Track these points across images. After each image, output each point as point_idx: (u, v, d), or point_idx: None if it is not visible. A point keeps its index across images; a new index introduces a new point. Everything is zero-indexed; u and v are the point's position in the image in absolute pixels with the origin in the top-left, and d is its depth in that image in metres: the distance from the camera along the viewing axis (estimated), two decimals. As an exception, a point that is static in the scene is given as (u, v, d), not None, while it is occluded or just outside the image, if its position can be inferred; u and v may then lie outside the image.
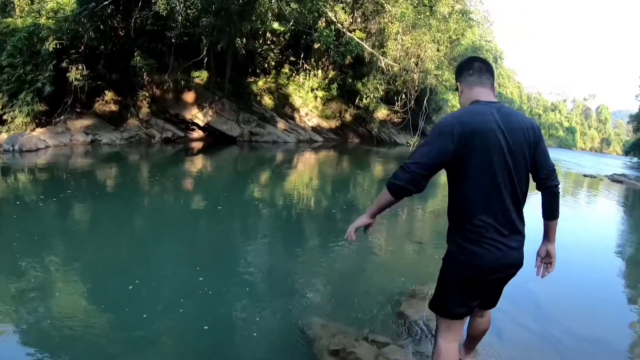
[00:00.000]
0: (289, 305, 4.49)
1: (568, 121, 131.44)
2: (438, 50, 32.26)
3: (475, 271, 2.52)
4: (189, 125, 21.61)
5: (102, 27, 18.55)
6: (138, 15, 18.25)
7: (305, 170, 16.60)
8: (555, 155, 63.65)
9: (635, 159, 70.71)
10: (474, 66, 2.75)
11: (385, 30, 29.87)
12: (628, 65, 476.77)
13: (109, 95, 18.92)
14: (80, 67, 17.23)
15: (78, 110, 17.78)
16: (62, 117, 17.10)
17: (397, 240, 7.71)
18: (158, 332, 3.87)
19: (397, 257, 6.67)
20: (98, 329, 3.85)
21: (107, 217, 7.58)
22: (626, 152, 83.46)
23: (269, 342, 3.81)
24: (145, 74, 19.51)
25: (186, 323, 4.02)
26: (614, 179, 28.70)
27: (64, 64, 16.93)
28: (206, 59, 21.98)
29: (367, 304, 4.51)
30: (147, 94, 19.86)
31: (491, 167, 2.46)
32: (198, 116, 21.48)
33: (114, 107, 19.04)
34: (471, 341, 3.20)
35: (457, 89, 2.86)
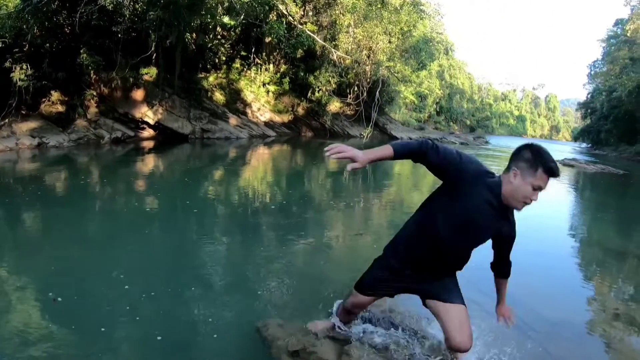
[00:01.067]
0: (245, 306, 4.48)
1: (518, 110, 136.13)
2: (390, 42, 32.66)
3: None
4: (138, 124, 21.24)
5: (46, 23, 18.00)
6: (83, 10, 17.78)
7: (259, 166, 16.74)
8: (506, 142, 65.66)
9: (584, 145, 74.78)
10: (526, 156, 2.83)
11: (337, 22, 30.13)
12: (576, 55, 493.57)
13: (55, 95, 18.42)
14: (24, 66, 16.72)
15: (23, 112, 17.25)
16: (6, 120, 16.55)
17: (353, 234, 7.82)
18: (112, 344, 3.71)
19: (354, 251, 6.79)
20: (46, 345, 3.61)
21: (55, 223, 7.31)
22: (575, 138, 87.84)
23: (226, 347, 3.79)
24: (92, 72, 19.06)
25: (141, 332, 3.91)
26: (565, 163, 29.94)
27: (7, 64, 16.46)
28: (155, 55, 21.71)
29: (327, 300, 4.51)
30: (94, 93, 19.40)
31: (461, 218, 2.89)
32: (148, 114, 21.14)
33: (60, 108, 18.54)
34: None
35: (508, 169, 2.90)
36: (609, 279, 6.81)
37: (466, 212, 2.82)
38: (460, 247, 2.99)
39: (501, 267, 3.26)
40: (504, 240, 3.11)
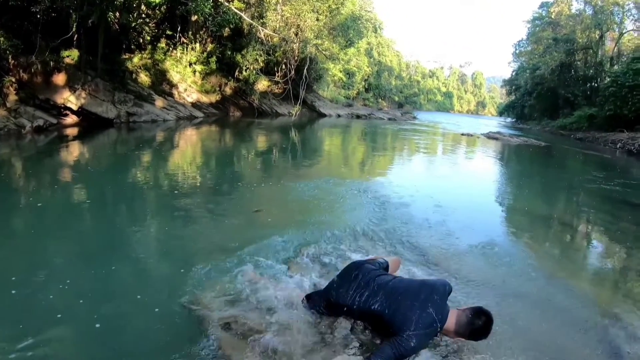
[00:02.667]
0: (175, 284, 4.59)
1: (445, 87, 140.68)
2: (318, 19, 32.91)
3: None
4: (61, 111, 20.62)
5: (-42, 5, 17.22)
6: (-1, -11, 17.08)
7: (187, 148, 16.83)
8: (434, 117, 67.56)
9: (508, 119, 79.74)
10: None
11: (265, 0, 29.90)
12: (502, 34, 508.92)
13: (-31, 82, 17.67)
14: None
15: (-64, 101, 16.54)
16: None
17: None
18: (45, 341, 3.65)
19: (279, 222, 7.05)
20: None
21: None
22: (500, 113, 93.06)
23: (159, 325, 3.94)
24: (10, 56, 18.37)
25: (76, 324, 3.96)
26: (490, 136, 31.40)
27: None
28: (76, 36, 21.12)
29: (253, 272, 4.74)
30: (13, 79, 18.67)
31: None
32: (70, 99, 20.60)
33: (-24, 96, 17.82)
34: None
35: None
36: (536, 241, 7.78)
37: None
38: None
39: None
40: None
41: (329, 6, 32.99)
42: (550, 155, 24.48)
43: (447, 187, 12.32)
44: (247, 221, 7.17)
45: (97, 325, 3.87)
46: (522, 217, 9.70)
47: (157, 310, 4.13)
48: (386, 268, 4.22)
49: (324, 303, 3.90)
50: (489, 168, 17.17)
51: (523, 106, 69.38)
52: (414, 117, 63.62)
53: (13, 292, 4.36)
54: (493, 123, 71.10)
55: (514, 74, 75.77)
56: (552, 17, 58.40)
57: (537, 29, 61.20)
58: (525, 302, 4.89)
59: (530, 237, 8.12)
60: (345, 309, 3.77)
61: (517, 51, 70.70)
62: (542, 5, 63.20)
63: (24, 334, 3.70)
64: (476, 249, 6.50)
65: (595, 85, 49.88)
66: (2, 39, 17.55)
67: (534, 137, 34.86)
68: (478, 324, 3.50)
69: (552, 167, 19.69)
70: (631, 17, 50.40)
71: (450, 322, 3.57)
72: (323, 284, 4.34)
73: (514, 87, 75.51)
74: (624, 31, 50.40)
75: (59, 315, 4.01)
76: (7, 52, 17.90)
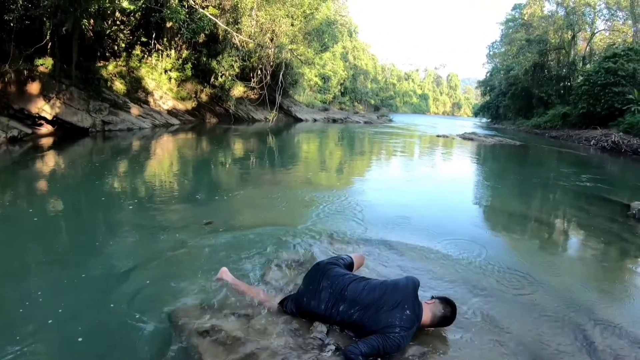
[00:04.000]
0: (154, 295, 4.66)
1: (421, 89, 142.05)
2: (292, 25, 33.06)
3: None
4: (35, 121, 20.48)
5: None
6: (-30, -2, 17.00)
7: (163, 156, 16.82)
8: (410, 120, 68.10)
9: (484, 119, 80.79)
10: None
11: (239, 5, 30.21)
12: (475, 37, 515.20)
13: (-59, 92, 17.52)
14: None
15: None
16: None
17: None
18: (24, 351, 3.71)
19: (258, 227, 7.10)
20: None
21: None
22: (475, 114, 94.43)
23: (138, 336, 3.96)
24: (-17, 65, 18.27)
25: (51, 335, 4.00)
26: (465, 137, 31.98)
27: None
28: (50, 44, 21.01)
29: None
30: (-13, 89, 18.61)
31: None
32: (45, 109, 20.48)
33: (-51, 106, 17.67)
34: None
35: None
36: (513, 240, 8.01)
37: None
38: None
39: None
40: None
41: (304, 11, 33.15)
42: (525, 154, 24.97)
43: (423, 188, 12.55)
44: (227, 228, 7.22)
45: (78, 338, 3.94)
46: (498, 215, 9.98)
47: (135, 322, 4.17)
48: (350, 265, 4.49)
49: (297, 308, 4.08)
50: (464, 169, 17.46)
51: (498, 106, 70.43)
52: (390, 120, 64.04)
53: None
54: (469, 124, 71.91)
55: (488, 75, 76.83)
56: (525, 18, 59.23)
57: (511, 30, 62.01)
58: (501, 298, 5.05)
59: (506, 234, 8.40)
60: (320, 315, 3.96)
61: (491, 52, 71.64)
62: (515, 7, 64.13)
63: (11, 341, 3.79)
64: (452, 247, 6.67)
65: (569, 84, 50.71)
66: (-26, 48, 17.48)
67: (509, 136, 35.46)
68: (447, 313, 3.98)
69: (527, 165, 20.10)
70: (602, 17, 51.51)
71: (426, 316, 3.92)
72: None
73: (488, 88, 76.51)
74: (595, 31, 51.45)
75: (36, 327, 4.06)
76: (-20, 61, 17.81)
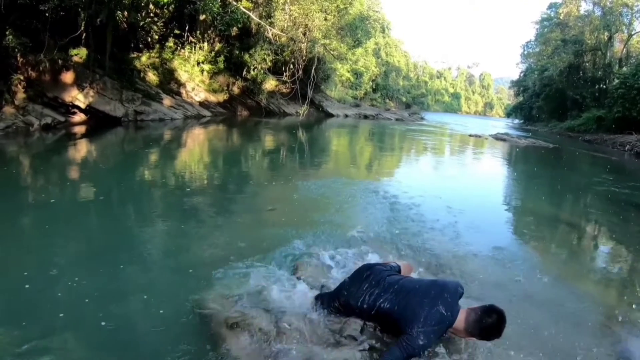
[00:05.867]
0: (183, 284, 4.61)
1: (453, 87, 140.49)
2: (326, 19, 32.81)
3: None
4: (69, 109, 20.65)
5: (-32, 4, 17.23)
6: (8, -11, 17.10)
7: (194, 148, 16.81)
8: (442, 118, 67.39)
9: (516, 121, 79.20)
10: None
11: (273, 0, 29.88)
12: (510, 35, 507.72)
13: (-22, 80, 17.70)
14: (-55, 50, 15.96)
15: (-57, 98, 16.58)
16: None
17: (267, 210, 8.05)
18: (55, 339, 3.62)
19: (266, 226, 6.94)
20: None
21: None
22: (508, 115, 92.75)
23: (166, 325, 3.89)
24: (19, 54, 18.40)
25: (82, 322, 3.93)
26: (498, 137, 31.25)
27: None
28: (84, 34, 21.13)
29: (262, 272, 4.68)
30: (22, 77, 18.73)
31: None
32: (79, 98, 20.61)
33: (-16, 94, 17.85)
34: None
35: None
36: (545, 245, 7.61)
37: None
38: None
39: None
40: None
41: (337, 6, 32.90)
42: (558, 157, 24.36)
43: (455, 187, 12.23)
44: (256, 220, 7.16)
45: (103, 324, 3.83)
46: (531, 218, 9.62)
47: (164, 310, 4.08)
48: (398, 271, 4.13)
49: (334, 303, 3.84)
50: (497, 169, 17.12)
51: (531, 107, 69.22)
52: (422, 118, 63.62)
53: (27, 286, 4.36)
54: (501, 124, 71.03)
55: (522, 75, 75.57)
56: (561, 18, 58.10)
57: (546, 30, 60.89)
58: (534, 304, 4.83)
59: (539, 239, 8.04)
60: (356, 309, 3.71)
61: (526, 52, 70.28)
62: (550, 6, 62.96)
63: (33, 329, 3.70)
64: (485, 251, 6.42)
65: (604, 87, 49.65)
66: (10, 37, 17.60)
67: (542, 138, 34.70)
68: (488, 322, 3.39)
69: (560, 168, 19.58)
70: (640, 18, 50.17)
71: (460, 320, 3.47)
72: (331, 285, 4.27)
73: (522, 89, 75.31)
74: (632, 32, 50.14)
75: (66, 313, 3.98)
76: (16, 50, 17.94)
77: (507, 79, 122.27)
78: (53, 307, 4.06)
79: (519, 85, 76.48)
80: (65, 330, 3.76)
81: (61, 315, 3.95)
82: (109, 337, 3.73)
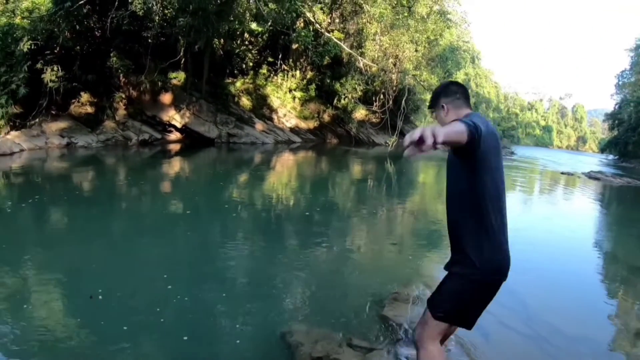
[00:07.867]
0: (269, 311, 4.43)
1: (544, 120, 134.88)
2: (416, 50, 32.51)
3: (497, 280, 2.62)
4: (166, 127, 21.50)
5: (77, 27, 18.38)
6: (114, 15, 18.11)
7: (284, 172, 16.73)
8: (533, 153, 64.73)
9: (611, 157, 72.79)
10: (459, 90, 2.97)
11: (364, 30, 30.12)
12: (603, 64, 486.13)
13: (84, 96, 18.75)
14: (55, 68, 17.00)
15: (53, 112, 17.61)
16: (37, 120, 16.90)
17: (375, 241, 7.81)
18: (138, 345, 3.73)
19: (376, 258, 6.73)
20: (74, 343, 3.63)
21: (80, 223, 7.40)
22: (602, 150, 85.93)
23: (250, 351, 3.77)
24: (121, 75, 19.42)
25: (166, 334, 3.92)
26: (591, 176, 29.44)
27: (38, 65, 16.68)
28: (183, 59, 21.99)
29: (349, 308, 4.50)
30: (123, 96, 19.73)
31: (500, 167, 2.66)
32: (175, 118, 21.39)
33: (89, 109, 18.86)
34: (445, 339, 3.07)
35: (432, 110, 3.05)
36: (632, 296, 6.54)
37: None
38: None
39: None
40: None
41: (428, 37, 32.56)
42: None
43: (544, 228, 11.48)
44: (366, 254, 6.95)
45: (183, 337, 3.81)
46: (620, 267, 8.77)
47: (248, 333, 4.03)
48: None
49: None
50: (588, 212, 15.79)
51: (626, 143, 64.49)
52: (512, 152, 61.57)
53: (102, 297, 4.40)
54: (594, 161, 67.00)
55: (616, 107, 70.48)
56: (658, 44, 54.75)
57: (642, 57, 57.53)
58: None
59: (626, 291, 7.27)
60: None
61: (620, 82, 65.86)
62: (645, 32, 59.61)
63: (124, 333, 3.81)
64: (573, 299, 5.86)
65: None
66: (115, 59, 18.55)
67: (638, 177, 32.67)
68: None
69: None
70: None
71: None
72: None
73: (616, 122, 70.10)
74: None
75: (142, 317, 4.10)
76: (119, 71, 18.90)
77: (601, 111, 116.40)
78: (147, 313, 4.18)
79: (614, 118, 71.10)
80: (153, 340, 3.84)
81: (141, 318, 4.09)
82: (190, 352, 3.68)
